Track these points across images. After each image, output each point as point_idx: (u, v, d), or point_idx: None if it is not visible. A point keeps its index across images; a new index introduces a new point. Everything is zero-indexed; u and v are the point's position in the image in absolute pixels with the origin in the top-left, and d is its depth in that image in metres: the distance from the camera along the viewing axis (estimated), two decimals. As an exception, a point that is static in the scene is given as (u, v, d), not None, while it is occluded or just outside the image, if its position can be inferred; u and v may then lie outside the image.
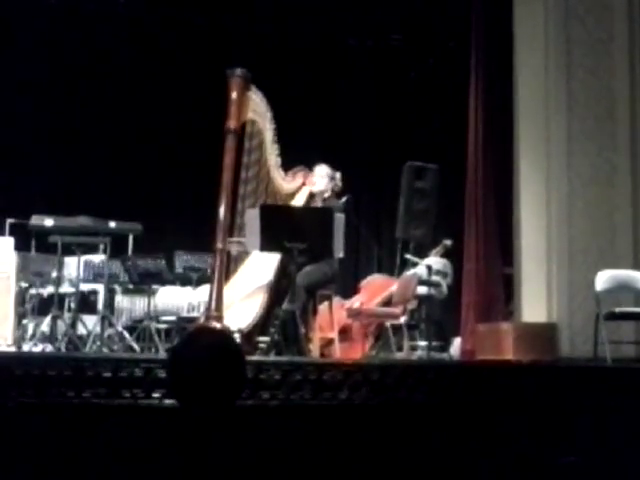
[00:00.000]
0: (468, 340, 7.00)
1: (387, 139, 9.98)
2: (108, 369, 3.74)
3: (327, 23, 9.41)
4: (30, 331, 7.18)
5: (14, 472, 3.42)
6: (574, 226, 6.64)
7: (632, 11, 6.83)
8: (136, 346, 7.16)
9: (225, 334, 2.79)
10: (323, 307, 6.26)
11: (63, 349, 6.62)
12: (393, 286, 7.56)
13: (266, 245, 5.59)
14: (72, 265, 7.23)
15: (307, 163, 6.32)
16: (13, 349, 6.42)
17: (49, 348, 6.62)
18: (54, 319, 6.79)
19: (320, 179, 6.15)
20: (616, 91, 6.77)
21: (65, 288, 7.42)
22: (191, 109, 9.13)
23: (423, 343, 7.48)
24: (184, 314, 7.24)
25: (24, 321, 7.24)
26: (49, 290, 7.47)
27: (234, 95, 6.05)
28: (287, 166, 6.20)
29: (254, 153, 6.14)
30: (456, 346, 7.48)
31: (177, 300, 7.48)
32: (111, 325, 7.25)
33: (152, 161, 9.22)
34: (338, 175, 6.23)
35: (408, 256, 7.84)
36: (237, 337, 5.58)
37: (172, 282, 7.57)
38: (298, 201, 6.19)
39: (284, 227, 5.49)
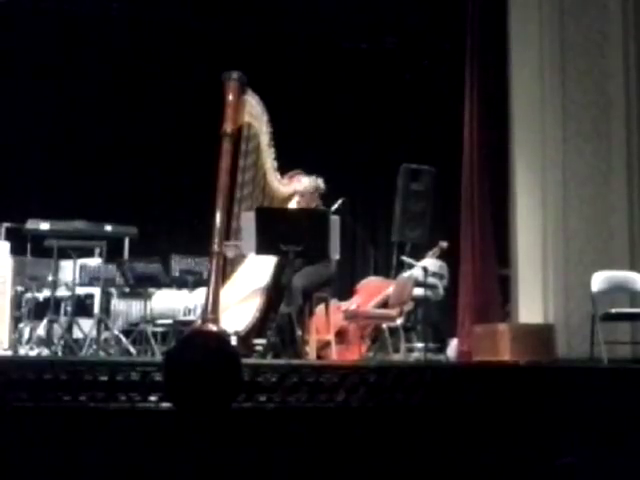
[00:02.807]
0: (465, 341, 7.01)
1: (382, 141, 9.98)
2: (104, 373, 3.74)
3: (322, 26, 9.41)
4: (26, 335, 7.15)
5: (10, 476, 3.41)
6: (570, 227, 6.65)
7: (626, 12, 6.85)
8: (132, 349, 7.14)
9: (221, 337, 2.78)
10: (319, 309, 6.25)
11: (59, 353, 6.60)
12: (389, 288, 7.56)
13: (262, 248, 5.58)
14: (68, 269, 7.22)
15: (303, 166, 6.31)
16: (9, 353, 6.41)
17: (45, 352, 6.60)
18: (50, 323, 6.78)
19: (301, 198, 6.11)
20: (611, 92, 6.79)
21: (61, 292, 7.40)
22: (187, 112, 9.11)
23: (420, 345, 7.49)
24: (180, 317, 7.22)
25: (20, 325, 7.22)
26: (45, 294, 7.45)
27: (230, 98, 6.05)
28: (283, 169, 6.20)
29: (250, 157, 6.14)
30: (453, 347, 7.47)
31: (173, 303, 7.46)
32: (107, 329, 7.23)
33: (148, 164, 9.21)
34: (320, 181, 6.17)
35: (404, 258, 7.84)
36: (233, 340, 5.57)
37: (168, 285, 7.56)
38: (294, 204, 6.18)
39: (280, 230, 5.49)
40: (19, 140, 8.75)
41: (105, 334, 7.24)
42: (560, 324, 6.49)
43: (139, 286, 7.32)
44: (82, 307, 7.56)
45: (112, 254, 7.53)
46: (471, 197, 7.16)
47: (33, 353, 6.65)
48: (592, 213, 6.68)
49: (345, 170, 9.27)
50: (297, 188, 6.09)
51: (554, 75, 6.77)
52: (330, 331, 6.36)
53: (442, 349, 7.71)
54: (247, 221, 5.61)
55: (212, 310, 5.74)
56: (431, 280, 7.46)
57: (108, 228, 7.17)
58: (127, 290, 7.65)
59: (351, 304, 7.66)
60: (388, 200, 8.60)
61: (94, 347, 6.88)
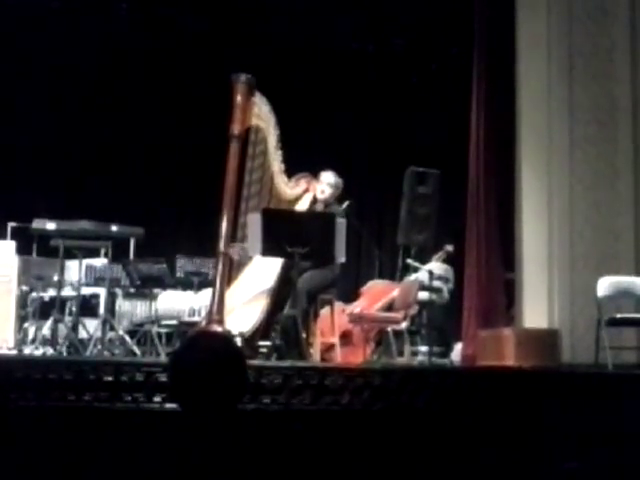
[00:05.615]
0: (469, 345, 7.00)
1: (389, 144, 9.98)
2: (109, 373, 3.74)
3: (330, 28, 9.41)
4: (31, 334, 7.17)
5: (14, 475, 3.42)
6: (575, 231, 6.64)
7: (634, 17, 6.84)
8: (137, 350, 7.15)
9: (226, 338, 2.78)
10: (324, 312, 6.25)
11: (64, 353, 6.61)
12: (394, 291, 7.56)
13: (268, 250, 5.59)
14: (73, 269, 7.23)
15: (310, 168, 6.31)
16: (14, 352, 6.42)
17: (50, 351, 6.61)
18: (55, 323, 6.79)
19: (327, 187, 6.13)
20: (618, 97, 6.78)
21: (66, 292, 7.42)
22: (195, 114, 9.13)
23: (424, 348, 7.48)
24: (185, 318, 7.23)
25: (25, 324, 7.24)
26: (50, 294, 7.47)
27: (238, 100, 6.06)
28: (290, 172, 6.20)
29: (258, 158, 6.14)
30: (457, 351, 7.47)
31: (178, 304, 7.48)
32: (112, 329, 7.24)
33: (154, 165, 9.23)
34: (340, 181, 6.23)
35: (409, 261, 7.83)
36: (238, 341, 5.57)
37: (173, 286, 7.57)
38: (301, 207, 6.18)
39: (286, 232, 5.49)
40: (25, 140, 8.77)
41: (110, 334, 7.26)
42: (565, 329, 6.48)
43: (144, 287, 7.33)
44: (87, 307, 7.58)
45: (118, 254, 7.54)
46: (477, 201, 7.16)
47: (38, 353, 6.66)
48: (598, 217, 6.67)
49: (351, 172, 9.24)
50: (329, 180, 6.11)
51: (561, 79, 6.76)
52: (335, 334, 6.36)
53: (447, 353, 7.70)
54: (253, 222, 5.61)
55: (217, 311, 5.74)
56: (436, 284, 7.46)
57: (114, 228, 7.18)
58: (132, 290, 7.67)
59: (356, 307, 7.66)
60: (394, 203, 8.59)
61: (99, 347, 6.89)
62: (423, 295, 7.35)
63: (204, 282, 7.36)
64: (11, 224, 7.66)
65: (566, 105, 6.72)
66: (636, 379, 4.58)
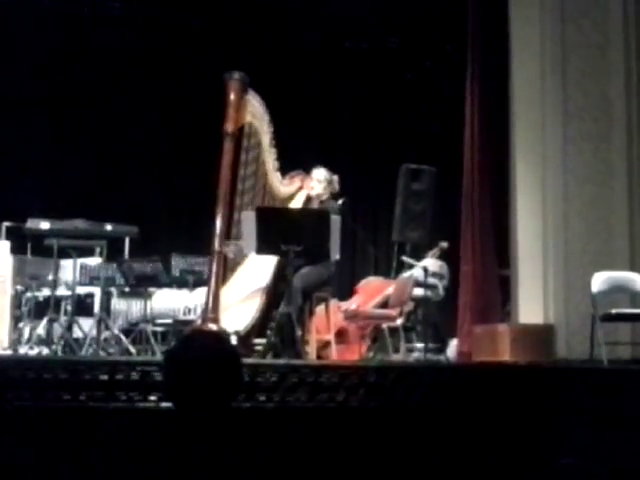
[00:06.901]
0: (465, 342, 7.02)
1: (383, 141, 9.98)
2: (104, 372, 3.74)
3: (324, 26, 9.41)
4: (26, 334, 7.15)
5: (10, 475, 3.41)
6: (570, 228, 6.65)
7: (628, 14, 6.85)
8: (132, 349, 7.14)
9: (221, 336, 2.78)
10: (320, 309, 6.25)
11: (59, 352, 6.60)
12: (390, 288, 7.56)
13: (263, 247, 5.59)
14: (68, 268, 7.21)
15: (304, 166, 6.31)
16: (9, 352, 6.41)
17: (45, 351, 6.60)
18: (50, 322, 6.78)
19: (317, 184, 6.13)
20: (612, 93, 6.79)
21: (61, 291, 7.40)
22: (189, 112, 9.12)
23: (420, 345, 7.49)
24: (180, 317, 7.22)
25: (20, 324, 7.22)
26: (45, 293, 7.45)
27: (232, 98, 6.06)
28: (284, 169, 6.20)
29: (251, 156, 6.14)
30: (453, 348, 7.48)
31: (173, 303, 7.46)
32: (107, 328, 7.23)
33: (149, 164, 9.21)
34: (335, 178, 6.22)
35: (404, 258, 7.83)
36: (234, 339, 5.58)
37: (168, 285, 7.55)
38: (295, 204, 6.19)
39: (280, 229, 5.49)
40: (20, 139, 8.75)
41: (105, 333, 7.24)
42: (560, 325, 6.49)
43: (139, 285, 7.31)
44: (82, 306, 7.56)
45: (112, 253, 7.53)
46: (471, 197, 7.17)
47: (33, 352, 6.65)
48: (592, 213, 6.68)
49: (346, 170, 9.23)
50: (318, 176, 6.11)
51: (555, 76, 6.77)
52: (330, 331, 6.36)
53: (442, 349, 7.71)
54: (248, 220, 5.61)
55: (212, 309, 5.74)
56: (431, 280, 7.46)
57: (108, 227, 7.16)
58: (127, 289, 7.64)
59: (351, 304, 7.66)
60: (389, 200, 8.60)
61: (94, 346, 6.88)
62: (418, 292, 7.35)
63: (199, 281, 7.34)
64: (5, 224, 7.63)
65: (560, 102, 6.74)
66: (631, 374, 4.59)
